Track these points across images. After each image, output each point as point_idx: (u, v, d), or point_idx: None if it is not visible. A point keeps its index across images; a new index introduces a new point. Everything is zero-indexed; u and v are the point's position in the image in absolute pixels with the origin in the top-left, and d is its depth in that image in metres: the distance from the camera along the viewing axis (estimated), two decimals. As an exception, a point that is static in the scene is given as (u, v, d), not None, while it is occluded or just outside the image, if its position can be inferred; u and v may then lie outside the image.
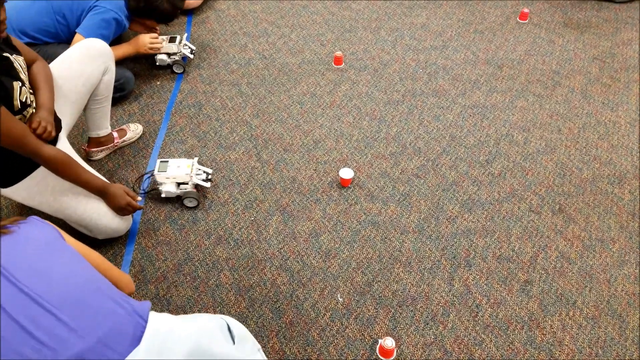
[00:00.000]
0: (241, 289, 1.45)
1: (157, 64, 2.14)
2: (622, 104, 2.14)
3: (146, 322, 0.81)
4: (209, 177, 1.67)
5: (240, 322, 1.37)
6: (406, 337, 1.37)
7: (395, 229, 1.63)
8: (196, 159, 1.67)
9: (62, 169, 1.29)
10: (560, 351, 1.37)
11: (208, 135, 1.92)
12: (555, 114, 2.08)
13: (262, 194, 1.72)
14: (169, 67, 2.17)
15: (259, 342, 1.33)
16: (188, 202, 1.65)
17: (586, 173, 1.85)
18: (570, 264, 1.57)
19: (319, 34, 2.41)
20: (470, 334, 1.39)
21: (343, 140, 1.92)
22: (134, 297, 1.31)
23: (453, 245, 1.60)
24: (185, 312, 1.40)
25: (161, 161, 1.62)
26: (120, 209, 1.42)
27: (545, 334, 1.40)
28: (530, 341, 1.39)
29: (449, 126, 1.99)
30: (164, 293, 1.44)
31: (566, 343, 1.39)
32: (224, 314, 1.40)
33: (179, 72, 2.15)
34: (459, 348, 1.36)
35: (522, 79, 2.23)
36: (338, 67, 2.24)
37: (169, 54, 2.12)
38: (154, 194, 1.68)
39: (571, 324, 1.42)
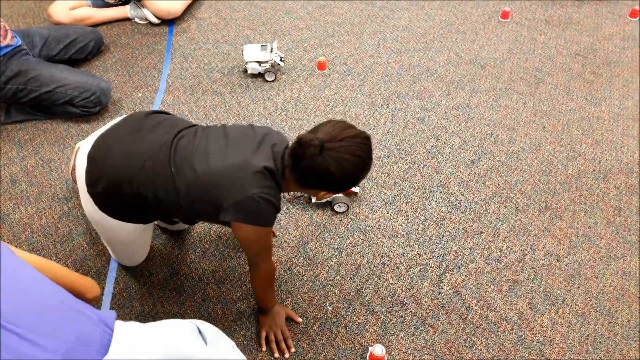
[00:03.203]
0: (228, 302, 1.43)
1: (249, 72, 2.15)
2: (605, 99, 2.16)
3: (112, 330, 0.79)
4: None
5: (228, 335, 1.35)
6: (396, 343, 1.36)
7: (382, 234, 1.62)
8: None
9: (269, 283, 1.28)
10: (550, 350, 1.36)
11: (192, 146, 1.90)
12: (539, 111, 2.09)
13: (248, 203, 1.70)
14: (260, 75, 2.17)
15: (247, 356, 1.32)
16: (338, 208, 1.65)
17: (571, 169, 1.85)
18: (558, 261, 1.57)
19: (302, 40, 2.40)
20: (460, 337, 1.38)
21: (328, 145, 1.91)
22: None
23: (441, 247, 1.59)
24: (172, 328, 1.38)
25: None
26: (268, 332, 1.34)
27: (536, 334, 1.40)
28: (520, 341, 1.38)
29: (434, 128, 1.99)
30: (149, 309, 1.41)
31: (556, 341, 1.38)
32: (211, 327, 1.38)
33: (270, 79, 2.15)
34: (450, 352, 1.35)
35: (506, 78, 2.23)
36: (322, 72, 2.23)
37: (259, 62, 2.11)
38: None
39: (561, 322, 1.42)
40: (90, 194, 1.20)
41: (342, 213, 1.67)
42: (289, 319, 1.38)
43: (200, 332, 0.89)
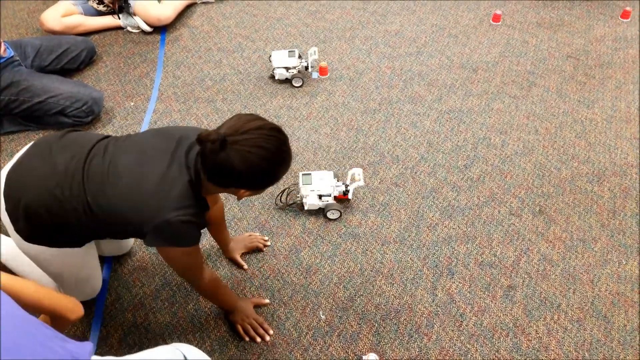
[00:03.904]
0: (221, 312, 1.42)
1: (277, 78, 2.15)
2: (598, 100, 2.15)
3: None
4: (348, 187, 1.66)
5: (221, 346, 1.35)
6: (390, 352, 1.35)
7: (376, 241, 1.61)
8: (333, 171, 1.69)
9: (214, 289, 1.28)
10: (546, 356, 1.35)
11: (184, 154, 1.89)
12: (532, 114, 2.08)
13: (240, 212, 1.69)
14: (287, 81, 2.18)
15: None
16: (331, 215, 1.64)
17: (565, 173, 1.85)
18: (552, 266, 1.56)
19: (294, 46, 2.40)
20: (455, 345, 1.37)
21: (321, 152, 1.90)
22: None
23: (434, 253, 1.58)
24: (164, 340, 1.36)
25: (304, 174, 1.63)
26: (243, 325, 1.36)
27: (531, 340, 1.39)
28: (516, 348, 1.37)
29: (426, 132, 1.99)
30: (141, 320, 1.40)
31: (552, 348, 1.37)
32: (204, 338, 1.37)
33: (297, 85, 2.16)
34: None
35: (498, 81, 2.23)
36: (324, 77, 2.23)
37: (287, 68, 2.12)
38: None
39: (556, 328, 1.41)
40: (18, 231, 1.13)
41: (334, 220, 1.66)
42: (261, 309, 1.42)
43: (185, 359, 0.87)
